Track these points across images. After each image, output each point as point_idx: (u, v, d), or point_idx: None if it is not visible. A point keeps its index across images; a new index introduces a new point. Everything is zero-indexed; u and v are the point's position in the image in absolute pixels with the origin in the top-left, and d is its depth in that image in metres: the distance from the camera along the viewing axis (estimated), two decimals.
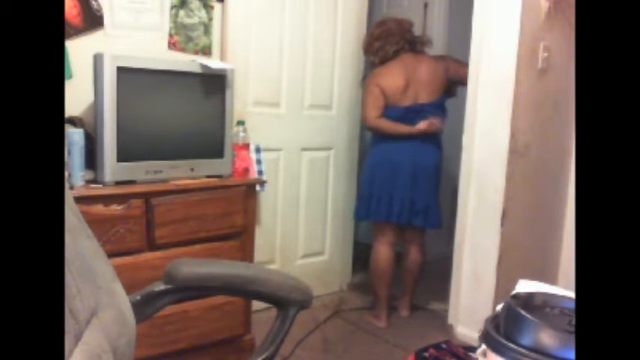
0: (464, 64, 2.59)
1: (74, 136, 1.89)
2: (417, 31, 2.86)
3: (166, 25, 2.39)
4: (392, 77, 2.65)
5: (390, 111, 2.65)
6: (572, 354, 0.63)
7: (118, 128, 1.94)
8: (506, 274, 2.43)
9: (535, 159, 2.52)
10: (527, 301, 0.73)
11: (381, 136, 2.71)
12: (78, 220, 0.83)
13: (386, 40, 2.69)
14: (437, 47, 3.02)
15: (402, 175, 2.65)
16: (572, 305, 0.72)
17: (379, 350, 2.51)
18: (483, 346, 0.73)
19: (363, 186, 2.81)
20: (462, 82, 2.61)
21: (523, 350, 0.66)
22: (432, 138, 2.71)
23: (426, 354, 1.97)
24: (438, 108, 2.69)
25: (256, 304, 2.28)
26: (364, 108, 2.73)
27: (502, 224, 2.42)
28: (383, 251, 2.76)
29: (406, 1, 3.68)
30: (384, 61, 2.70)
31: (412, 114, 2.64)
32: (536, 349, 0.65)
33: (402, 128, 2.63)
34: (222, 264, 1.21)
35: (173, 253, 2.00)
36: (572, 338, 0.64)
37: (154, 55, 2.29)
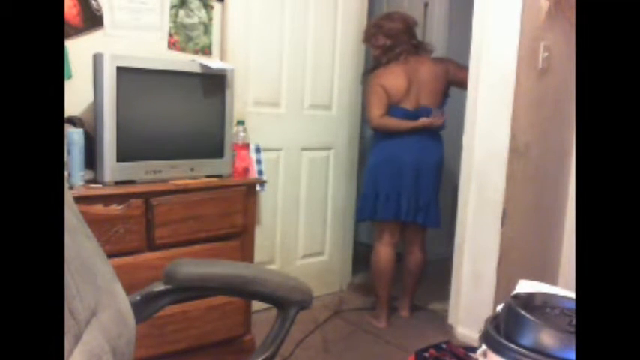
0: (464, 68, 2.58)
1: (74, 136, 1.89)
2: (417, 31, 2.85)
3: (166, 24, 2.39)
4: (394, 78, 2.65)
5: (392, 111, 2.66)
6: (572, 354, 0.63)
7: (118, 128, 1.94)
8: (506, 274, 2.43)
9: (535, 159, 2.52)
10: (528, 301, 0.73)
11: (383, 134, 2.71)
12: (78, 220, 0.83)
13: (396, 41, 2.68)
14: (437, 47, 3.02)
15: (407, 173, 2.65)
16: (572, 305, 0.73)
17: (379, 350, 2.51)
18: (483, 346, 0.73)
19: (366, 185, 2.78)
20: (461, 85, 2.61)
21: (523, 350, 0.66)
22: (433, 135, 2.71)
23: (426, 354, 1.97)
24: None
25: (256, 304, 2.28)
26: (368, 107, 2.71)
27: (502, 224, 2.42)
28: (384, 252, 2.75)
29: (406, 1, 3.67)
30: (390, 61, 2.69)
31: (414, 118, 2.64)
32: (537, 349, 0.65)
33: (406, 124, 2.63)
34: (222, 264, 1.21)
35: (173, 253, 2.00)
36: (573, 338, 0.64)
37: (153, 55, 2.29)
